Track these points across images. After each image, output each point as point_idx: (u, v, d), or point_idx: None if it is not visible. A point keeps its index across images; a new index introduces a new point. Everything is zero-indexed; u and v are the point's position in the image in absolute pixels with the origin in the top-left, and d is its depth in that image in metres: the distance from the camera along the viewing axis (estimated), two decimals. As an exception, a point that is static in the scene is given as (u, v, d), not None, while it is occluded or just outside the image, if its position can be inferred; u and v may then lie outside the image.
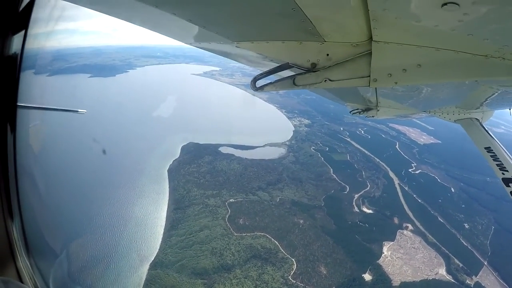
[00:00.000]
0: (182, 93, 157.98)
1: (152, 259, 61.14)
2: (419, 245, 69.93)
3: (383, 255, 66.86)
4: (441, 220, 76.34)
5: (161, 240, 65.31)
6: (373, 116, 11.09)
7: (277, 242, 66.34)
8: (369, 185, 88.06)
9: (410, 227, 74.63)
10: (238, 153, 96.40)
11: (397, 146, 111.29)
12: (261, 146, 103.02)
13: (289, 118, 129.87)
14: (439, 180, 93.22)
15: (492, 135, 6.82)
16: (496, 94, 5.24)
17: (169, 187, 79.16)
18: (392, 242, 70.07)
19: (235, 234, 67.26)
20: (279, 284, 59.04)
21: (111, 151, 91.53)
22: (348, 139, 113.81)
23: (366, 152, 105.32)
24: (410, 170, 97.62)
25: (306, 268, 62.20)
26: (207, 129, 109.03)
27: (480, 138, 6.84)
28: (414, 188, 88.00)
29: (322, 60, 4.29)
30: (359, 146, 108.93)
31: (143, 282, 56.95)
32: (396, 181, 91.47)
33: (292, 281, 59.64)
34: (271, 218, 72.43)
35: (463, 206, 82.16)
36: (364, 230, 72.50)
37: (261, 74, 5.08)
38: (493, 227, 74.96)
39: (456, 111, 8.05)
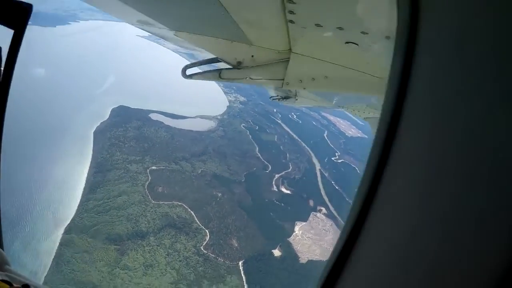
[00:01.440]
0: (122, 54, 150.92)
1: (67, 223, 60.38)
2: (330, 228, 74.26)
3: (294, 233, 70.38)
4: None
5: (78, 203, 64.20)
6: (292, 104, 11.76)
7: (193, 213, 67.68)
8: (291, 167, 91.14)
9: (324, 210, 78.78)
10: (167, 121, 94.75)
11: (325, 135, 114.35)
12: (192, 117, 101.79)
13: (225, 93, 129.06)
14: (358, 172, 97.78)
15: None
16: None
17: (92, 149, 76.81)
18: (304, 223, 73.81)
19: (153, 201, 67.75)
20: (190, 254, 60.27)
21: (35, 106, 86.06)
22: (279, 121, 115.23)
23: (294, 136, 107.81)
24: (333, 158, 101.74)
25: (218, 240, 64.31)
26: (140, 93, 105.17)
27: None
28: (334, 175, 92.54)
29: (247, 60, 4.88)
30: (288, 129, 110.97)
31: (56, 247, 56.34)
32: (318, 166, 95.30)
33: (204, 251, 61.50)
34: (190, 189, 73.69)
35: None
36: (279, 209, 75.67)
37: (192, 63, 5.75)
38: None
39: (366, 110, 8.73)
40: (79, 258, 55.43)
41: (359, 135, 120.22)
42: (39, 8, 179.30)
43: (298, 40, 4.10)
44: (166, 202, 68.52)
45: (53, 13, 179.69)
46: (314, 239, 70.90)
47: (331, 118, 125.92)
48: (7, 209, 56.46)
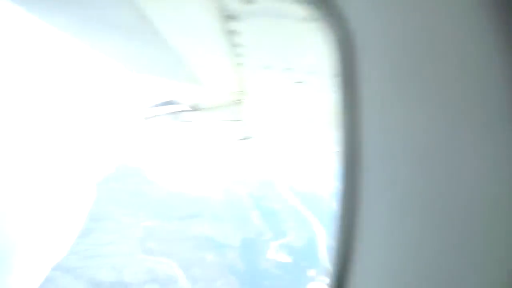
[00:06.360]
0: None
1: (58, 261, 59.86)
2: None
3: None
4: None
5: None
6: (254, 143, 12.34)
7: (180, 271, 65.39)
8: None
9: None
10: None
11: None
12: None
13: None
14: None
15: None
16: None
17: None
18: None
19: (141, 255, 66.24)
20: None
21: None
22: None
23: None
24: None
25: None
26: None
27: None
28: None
29: (203, 102, 4.96)
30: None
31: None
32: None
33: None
34: (181, 248, 70.64)
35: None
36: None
37: (150, 106, 5.63)
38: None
39: None
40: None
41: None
42: None
43: (249, 82, 4.08)
44: (153, 257, 66.50)
45: None
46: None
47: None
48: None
